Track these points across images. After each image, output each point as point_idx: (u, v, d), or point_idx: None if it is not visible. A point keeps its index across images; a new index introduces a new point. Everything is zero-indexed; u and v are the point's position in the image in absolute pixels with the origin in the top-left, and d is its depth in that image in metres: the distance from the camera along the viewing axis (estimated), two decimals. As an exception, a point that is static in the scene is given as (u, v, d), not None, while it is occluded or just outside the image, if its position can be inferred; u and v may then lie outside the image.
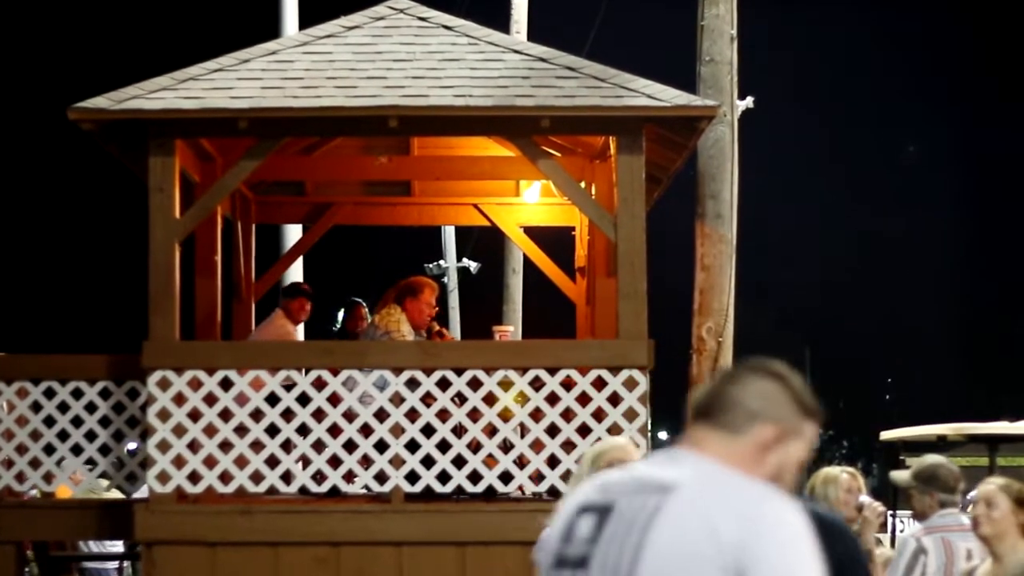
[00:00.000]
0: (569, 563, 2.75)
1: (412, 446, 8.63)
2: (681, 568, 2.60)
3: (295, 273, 13.51)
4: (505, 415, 8.73)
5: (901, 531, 13.30)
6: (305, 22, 12.92)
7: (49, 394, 8.94)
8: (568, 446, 8.62)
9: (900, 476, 7.69)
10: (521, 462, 8.73)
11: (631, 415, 8.54)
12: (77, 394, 8.92)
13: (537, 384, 8.64)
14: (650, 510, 2.67)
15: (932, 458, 7.42)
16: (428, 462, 8.61)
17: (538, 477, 8.75)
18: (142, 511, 8.51)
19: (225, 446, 8.62)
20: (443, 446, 8.61)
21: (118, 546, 12.77)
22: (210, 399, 8.62)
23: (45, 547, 9.96)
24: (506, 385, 8.69)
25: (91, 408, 8.92)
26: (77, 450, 8.97)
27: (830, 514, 4.90)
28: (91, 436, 8.93)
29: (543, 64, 9.07)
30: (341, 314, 11.08)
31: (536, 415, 8.66)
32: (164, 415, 8.55)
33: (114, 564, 13.71)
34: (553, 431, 8.62)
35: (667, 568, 2.61)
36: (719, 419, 2.81)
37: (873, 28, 63.04)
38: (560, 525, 2.83)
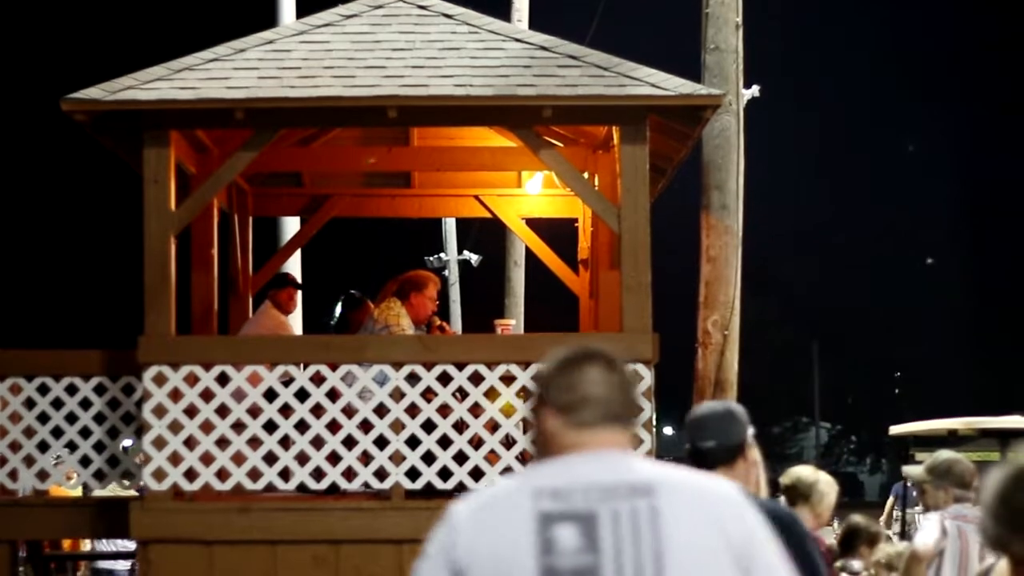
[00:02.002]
0: (566, 574, 2.73)
1: (412, 442, 8.49)
2: (704, 563, 2.73)
3: (293, 266, 13.36)
4: (507, 411, 8.58)
5: (920, 521, 13.16)
6: (302, 11, 12.78)
7: (43, 390, 8.80)
8: (571, 442, 8.46)
9: (914, 471, 7.58)
10: (524, 458, 8.59)
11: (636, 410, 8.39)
12: (72, 390, 8.79)
13: (540, 379, 8.48)
14: (648, 512, 2.75)
15: (947, 453, 7.32)
16: (429, 458, 8.47)
17: (541, 473, 8.60)
18: (137, 509, 8.37)
19: (222, 442, 8.48)
20: (444, 442, 8.48)
21: (132, 545, 12.66)
22: (207, 395, 8.48)
23: (39, 546, 9.82)
24: (506, 381, 8.54)
25: (86, 404, 8.79)
26: (72, 447, 8.83)
27: (783, 508, 4.86)
28: (86, 433, 8.79)
29: (545, 53, 8.93)
30: (339, 307, 10.93)
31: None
32: (160, 411, 8.41)
33: (125, 565, 13.59)
34: (556, 426, 8.46)
35: (691, 565, 2.72)
36: (620, 416, 2.92)
37: (880, 16, 62.87)
38: (524, 536, 2.79)
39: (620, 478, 2.81)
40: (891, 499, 19.30)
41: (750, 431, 4.64)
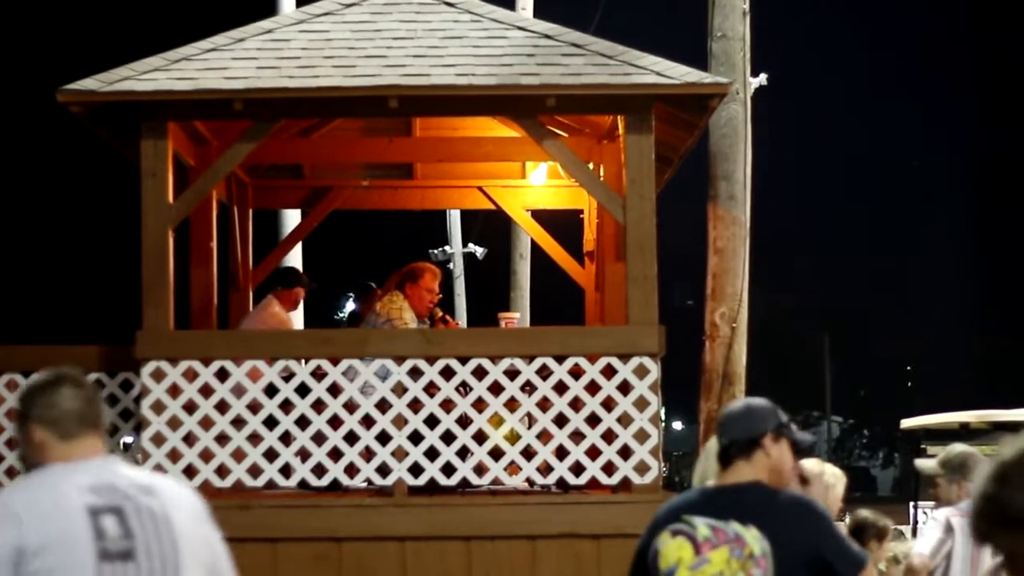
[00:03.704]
0: (116, 556, 3.43)
1: (415, 438, 8.37)
2: (199, 549, 3.60)
3: (294, 260, 13.22)
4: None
5: (923, 523, 13.05)
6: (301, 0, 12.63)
7: (40, 386, 8.66)
8: (577, 436, 8.35)
9: (926, 464, 7.46)
10: (528, 453, 8.46)
11: (642, 404, 8.27)
12: (69, 386, 8.64)
13: (544, 373, 8.37)
14: (159, 508, 3.51)
15: (960, 447, 7.20)
16: (432, 454, 8.34)
17: (546, 469, 8.49)
18: (136, 507, 8.23)
19: (222, 439, 8.36)
20: (447, 437, 8.35)
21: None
22: (206, 390, 8.35)
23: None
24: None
25: (83, 401, 8.63)
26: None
27: (799, 494, 4.91)
28: (83, 430, 8.65)
29: (548, 41, 8.80)
30: (351, 302, 10.78)
31: (544, 405, 8.40)
32: (158, 407, 8.29)
33: None
34: (561, 421, 8.35)
35: (193, 546, 3.58)
36: (94, 423, 3.63)
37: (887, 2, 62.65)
38: (82, 524, 3.46)
39: (129, 480, 3.55)
40: None
41: (775, 426, 4.63)
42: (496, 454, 8.40)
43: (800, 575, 4.45)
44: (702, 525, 4.50)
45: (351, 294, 10.84)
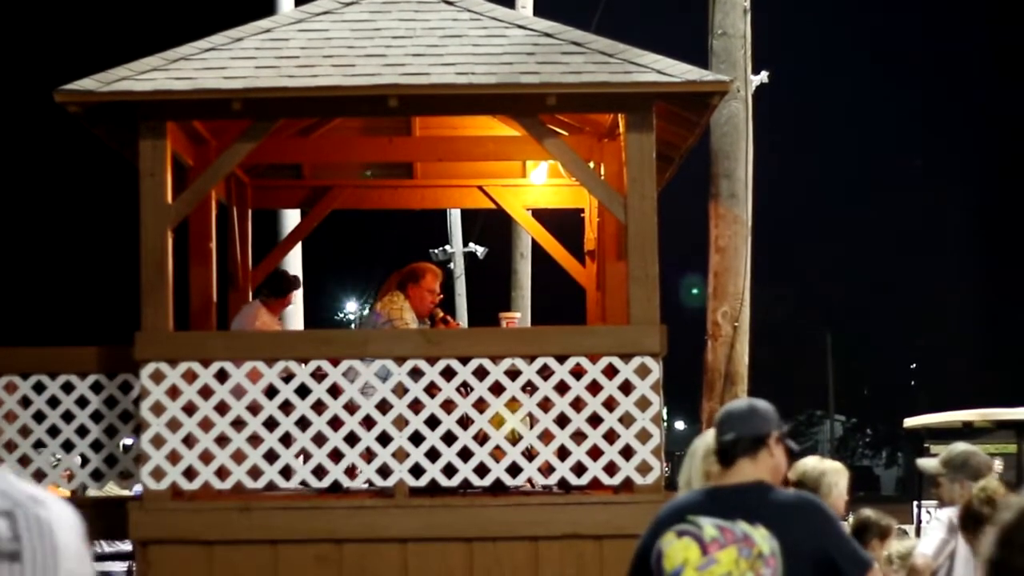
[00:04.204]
0: (5, 556, 3.59)
1: (416, 439, 8.32)
2: (76, 562, 3.55)
3: (294, 260, 13.18)
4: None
5: (927, 522, 13.00)
6: (301, -1, 12.58)
7: (39, 388, 8.64)
8: (578, 437, 8.31)
9: (928, 463, 7.42)
10: (530, 454, 8.42)
11: (644, 404, 8.23)
12: (68, 388, 8.63)
13: (546, 373, 8.33)
14: (44, 518, 3.58)
15: (962, 446, 7.17)
16: (433, 455, 8.30)
17: (548, 469, 8.45)
18: (136, 509, 8.21)
19: (222, 440, 8.31)
20: (448, 438, 8.31)
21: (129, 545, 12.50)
22: (205, 392, 8.31)
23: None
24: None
25: (82, 402, 8.63)
26: (68, 446, 8.66)
27: (803, 493, 4.94)
28: (83, 431, 8.63)
29: (549, 39, 8.76)
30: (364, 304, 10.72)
31: (545, 405, 8.35)
32: (158, 409, 8.25)
33: (122, 567, 13.44)
34: (562, 421, 8.31)
35: (71, 561, 3.55)
36: None
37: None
38: None
39: (21, 490, 3.70)
40: None
41: (777, 428, 4.63)
42: (497, 455, 8.36)
43: (808, 575, 4.42)
44: (709, 525, 4.46)
45: (366, 297, 10.76)
